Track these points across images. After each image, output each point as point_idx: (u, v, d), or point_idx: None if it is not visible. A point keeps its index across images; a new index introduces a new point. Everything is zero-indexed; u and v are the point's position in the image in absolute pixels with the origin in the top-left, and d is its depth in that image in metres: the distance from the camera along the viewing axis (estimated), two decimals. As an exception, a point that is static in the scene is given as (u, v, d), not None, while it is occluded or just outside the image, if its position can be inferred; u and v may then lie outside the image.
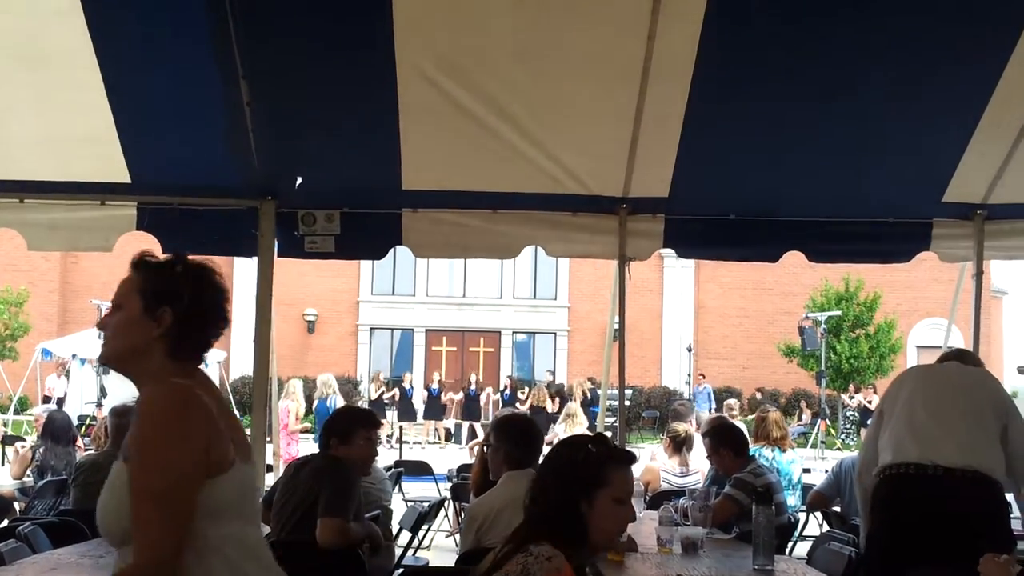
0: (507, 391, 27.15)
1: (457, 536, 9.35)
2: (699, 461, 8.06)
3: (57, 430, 9.08)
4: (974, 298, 7.57)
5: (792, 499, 7.49)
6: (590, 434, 3.23)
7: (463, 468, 10.16)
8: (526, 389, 28.39)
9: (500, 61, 5.96)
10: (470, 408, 26.79)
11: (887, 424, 4.84)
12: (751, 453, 6.73)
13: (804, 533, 7.74)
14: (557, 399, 24.71)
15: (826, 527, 7.56)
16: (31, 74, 5.94)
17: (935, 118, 6.37)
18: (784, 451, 7.77)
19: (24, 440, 13.61)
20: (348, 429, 5.28)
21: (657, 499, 6.86)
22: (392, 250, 7.49)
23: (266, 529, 5.33)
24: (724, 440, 6.31)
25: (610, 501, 2.93)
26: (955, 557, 4.23)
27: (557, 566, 2.75)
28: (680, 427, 8.40)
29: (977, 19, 5.63)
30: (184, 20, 5.70)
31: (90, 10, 5.43)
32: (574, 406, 13.23)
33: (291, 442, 15.04)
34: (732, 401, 15.82)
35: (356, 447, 5.24)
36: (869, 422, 5.84)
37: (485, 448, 5.20)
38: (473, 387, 27.42)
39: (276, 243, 7.09)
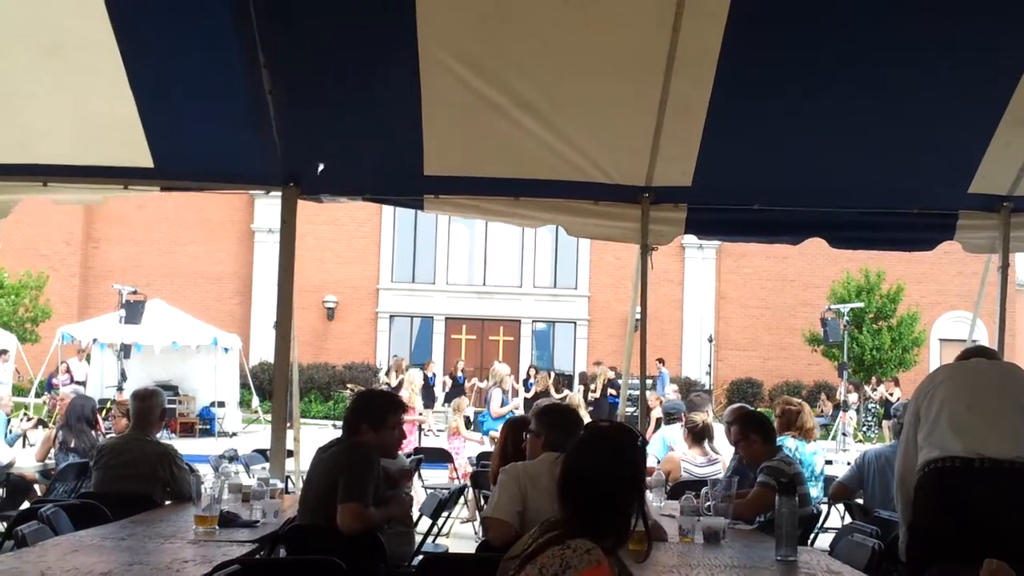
0: (530, 381, 27.05)
1: (477, 523, 9.36)
2: (720, 451, 8.03)
3: (78, 412, 9.13)
4: (999, 291, 7.51)
5: (814, 491, 7.44)
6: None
7: (483, 456, 10.16)
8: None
9: (522, 51, 5.94)
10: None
11: (924, 425, 4.76)
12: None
13: (825, 525, 7.70)
14: (564, 388, 24.95)
15: (848, 519, 7.51)
16: (53, 61, 5.97)
17: (961, 109, 6.32)
18: (808, 442, 7.73)
19: (46, 424, 13.71)
20: (382, 414, 5.25)
21: (678, 489, 6.82)
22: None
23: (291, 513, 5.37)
24: (753, 427, 6.25)
25: None
26: (1005, 550, 4.19)
27: (597, 558, 2.73)
28: (698, 417, 8.36)
29: (1003, 11, 5.57)
30: (205, 9, 5.70)
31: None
32: (577, 397, 13.09)
33: None
34: (672, 386, 15.88)
35: (388, 431, 5.23)
36: (893, 412, 5.65)
37: (525, 434, 5.17)
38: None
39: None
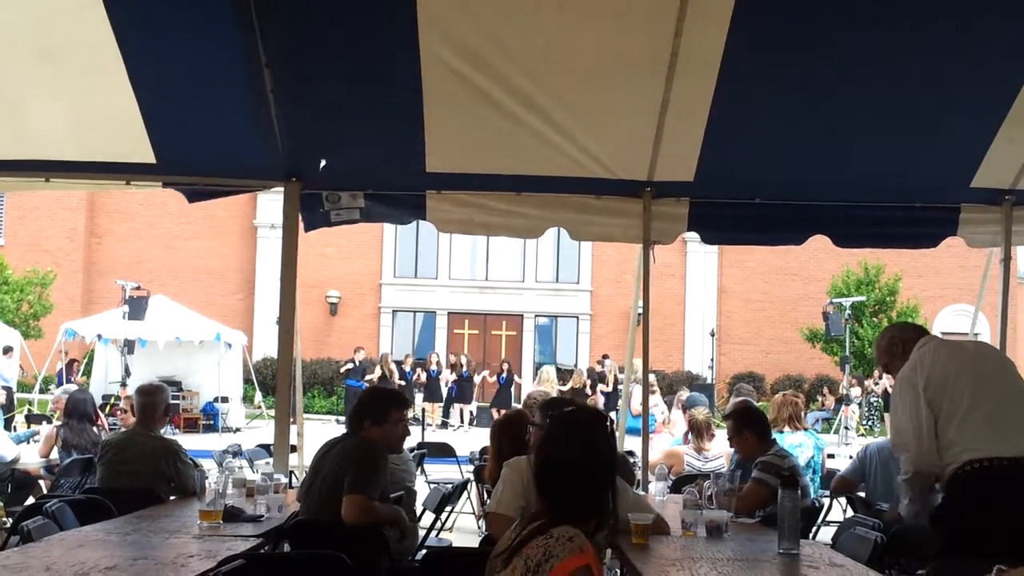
0: (503, 375, 26.83)
1: (481, 521, 9.37)
2: (721, 445, 8.04)
3: (77, 411, 9.14)
4: (1002, 284, 7.52)
5: (807, 484, 7.45)
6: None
7: (485, 451, 10.16)
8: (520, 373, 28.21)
9: (524, 49, 5.93)
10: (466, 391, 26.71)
11: (951, 420, 4.55)
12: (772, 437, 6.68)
13: (827, 518, 7.71)
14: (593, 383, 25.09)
15: (850, 512, 7.52)
16: (54, 64, 5.98)
17: (965, 104, 6.32)
18: (790, 432, 7.69)
19: (49, 420, 13.73)
20: (381, 410, 5.30)
21: (681, 483, 6.83)
22: (415, 231, 7.57)
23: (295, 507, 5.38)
24: (747, 423, 6.24)
25: None
26: None
27: (579, 545, 2.75)
28: (698, 412, 8.38)
29: (1007, 7, 5.57)
30: (207, 10, 5.70)
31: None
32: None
33: None
34: (654, 378, 15.78)
35: (389, 427, 5.27)
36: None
37: (530, 428, 5.19)
38: (465, 369, 27.06)
39: (301, 221, 7.14)
